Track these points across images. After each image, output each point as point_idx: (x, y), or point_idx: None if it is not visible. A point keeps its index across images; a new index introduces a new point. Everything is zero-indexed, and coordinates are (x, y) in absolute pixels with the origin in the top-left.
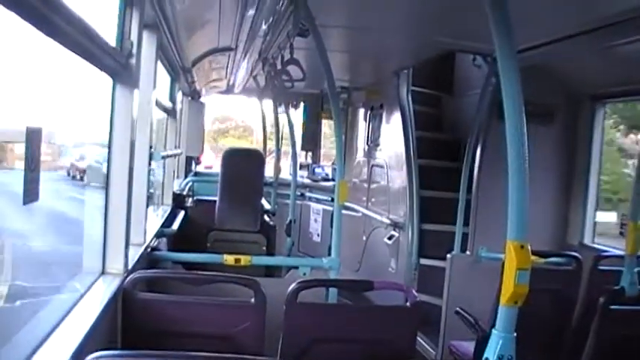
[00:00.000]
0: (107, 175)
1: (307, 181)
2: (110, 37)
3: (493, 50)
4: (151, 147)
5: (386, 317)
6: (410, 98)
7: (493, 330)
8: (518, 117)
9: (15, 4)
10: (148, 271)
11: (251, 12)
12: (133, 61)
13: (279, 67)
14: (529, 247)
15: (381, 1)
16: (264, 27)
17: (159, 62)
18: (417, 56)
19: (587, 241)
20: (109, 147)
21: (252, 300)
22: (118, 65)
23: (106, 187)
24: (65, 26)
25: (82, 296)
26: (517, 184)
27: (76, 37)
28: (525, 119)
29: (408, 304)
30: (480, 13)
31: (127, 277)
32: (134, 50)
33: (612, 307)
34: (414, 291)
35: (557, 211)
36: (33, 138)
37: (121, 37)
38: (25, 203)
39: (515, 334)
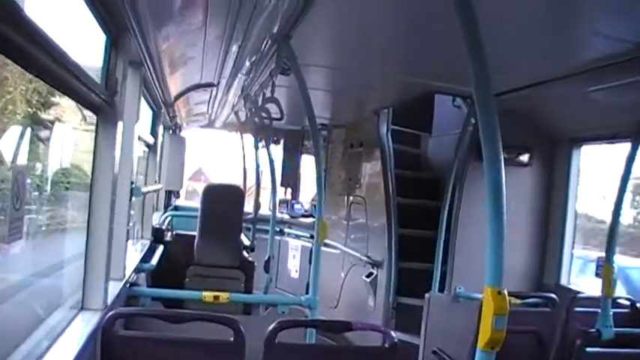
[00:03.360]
0: (89, 210)
1: (286, 217)
2: (94, 74)
3: (472, 92)
4: (132, 182)
5: (364, 358)
6: (390, 137)
7: None
8: (496, 161)
9: (2, 43)
10: (127, 308)
11: (234, 50)
12: (118, 97)
13: (260, 103)
14: (506, 293)
15: (362, 42)
16: (247, 64)
17: (141, 97)
18: (397, 96)
19: (563, 281)
20: (92, 182)
21: (232, 339)
22: (103, 102)
23: (88, 222)
24: (51, 65)
25: (61, 332)
26: (494, 230)
27: (62, 74)
28: (504, 160)
29: (386, 345)
30: (459, 55)
31: (106, 313)
32: (119, 87)
33: (588, 349)
34: (392, 332)
35: (534, 252)
36: (18, 178)
37: (107, 74)
38: (8, 242)
39: None
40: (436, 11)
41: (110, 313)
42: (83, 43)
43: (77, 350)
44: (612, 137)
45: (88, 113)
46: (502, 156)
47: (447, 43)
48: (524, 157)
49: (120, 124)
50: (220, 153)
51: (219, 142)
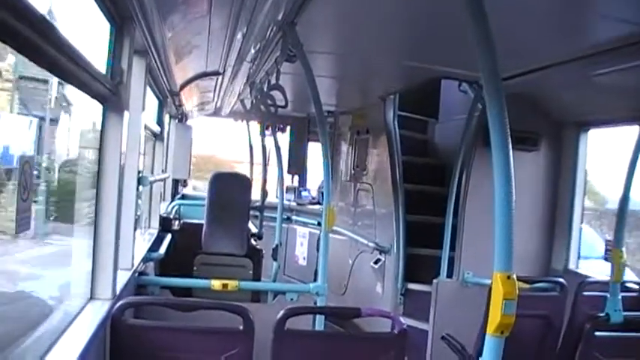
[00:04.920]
0: (96, 200)
1: (293, 204)
2: (100, 64)
3: (479, 77)
4: (139, 172)
5: (373, 345)
6: (396, 123)
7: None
8: (504, 146)
9: (7, 34)
10: (137, 297)
11: (239, 38)
12: (123, 87)
13: (265, 91)
14: (515, 278)
15: (368, 28)
16: (252, 52)
17: (147, 86)
18: (404, 82)
19: (571, 266)
20: (99, 171)
21: (241, 327)
22: (109, 92)
23: (95, 212)
24: (57, 55)
25: (71, 322)
26: (503, 216)
27: (68, 65)
28: (511, 145)
29: (395, 331)
30: (465, 40)
31: (115, 302)
32: (124, 77)
33: (597, 333)
34: (401, 318)
35: (542, 237)
36: (25, 167)
37: (112, 63)
38: (17, 232)
39: None
40: None
41: (119, 303)
42: (88, 32)
43: (87, 339)
44: (619, 121)
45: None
46: (509, 141)
47: (453, 29)
48: (531, 142)
49: (126, 114)
50: (229, 141)
51: (228, 130)
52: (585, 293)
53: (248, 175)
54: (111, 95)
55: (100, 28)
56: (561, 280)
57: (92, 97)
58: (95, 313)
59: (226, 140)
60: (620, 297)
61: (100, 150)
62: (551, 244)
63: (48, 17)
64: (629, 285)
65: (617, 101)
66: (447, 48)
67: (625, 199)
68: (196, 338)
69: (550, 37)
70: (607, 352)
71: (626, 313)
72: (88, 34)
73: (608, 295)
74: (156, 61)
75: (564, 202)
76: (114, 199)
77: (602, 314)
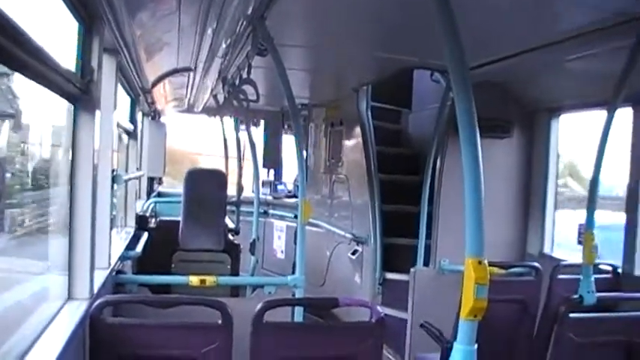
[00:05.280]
0: (70, 200)
1: (270, 198)
2: (69, 63)
3: None
4: (113, 170)
5: (351, 334)
6: (370, 114)
7: (455, 343)
8: (472, 135)
9: None
10: (115, 295)
11: (210, 33)
12: (94, 86)
13: (237, 85)
14: (486, 263)
15: (338, 20)
16: (223, 47)
17: (119, 84)
18: (376, 73)
19: (546, 250)
20: (72, 171)
21: (219, 321)
22: (79, 91)
23: (70, 212)
24: (24, 56)
25: (49, 323)
26: (473, 202)
27: (36, 65)
28: (483, 133)
29: (373, 320)
30: (436, 30)
31: (93, 302)
32: (95, 75)
33: (571, 315)
34: (378, 307)
35: (517, 222)
36: None
37: (82, 62)
38: None
39: (476, 347)
40: None
41: (97, 302)
42: (57, 31)
43: (66, 339)
44: (589, 106)
45: None
46: (477, 129)
47: (423, 18)
48: (503, 129)
49: (98, 113)
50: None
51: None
52: (560, 277)
53: (223, 169)
54: (81, 94)
55: (69, 26)
56: (536, 264)
57: (62, 96)
58: (73, 313)
59: (189, 133)
60: (592, 279)
61: (73, 149)
62: (526, 230)
63: (13, 17)
64: (602, 267)
65: (586, 86)
66: (419, 38)
67: (594, 183)
68: (175, 334)
69: (519, 25)
70: (581, 333)
71: (599, 294)
72: (57, 34)
73: (581, 277)
74: (126, 59)
75: (538, 188)
76: (88, 198)
77: (575, 296)
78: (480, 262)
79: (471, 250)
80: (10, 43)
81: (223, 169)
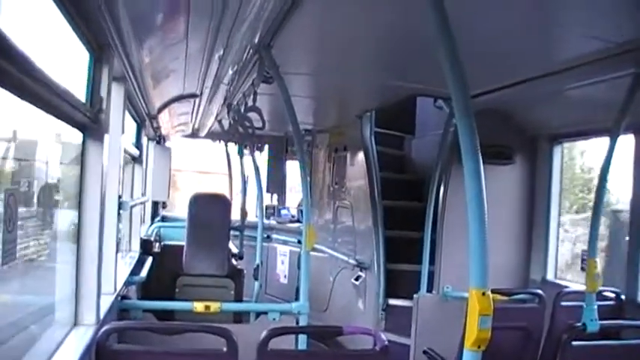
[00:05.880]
0: (78, 226)
1: (273, 222)
2: (79, 92)
3: None
4: (119, 196)
5: None
6: (373, 140)
7: None
8: (475, 163)
9: None
10: (121, 322)
11: (216, 61)
12: (103, 114)
13: (242, 112)
14: (490, 294)
15: (343, 49)
16: (229, 74)
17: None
18: (379, 100)
19: (549, 276)
20: (80, 198)
21: (225, 349)
22: (89, 120)
23: (78, 238)
24: (35, 86)
25: (56, 349)
26: (476, 233)
27: (47, 96)
28: (485, 160)
29: (377, 348)
30: (438, 58)
31: (99, 328)
32: (104, 104)
33: (574, 343)
34: (382, 335)
35: (519, 248)
36: (10, 200)
37: (91, 91)
38: (3, 264)
39: None
40: (416, 15)
41: (104, 328)
42: (67, 60)
43: None
44: (591, 133)
45: None
46: (480, 159)
47: (426, 47)
48: (506, 156)
49: (106, 140)
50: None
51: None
52: (563, 303)
53: (226, 192)
54: (91, 123)
55: (79, 55)
56: (539, 291)
57: (72, 125)
58: (80, 340)
59: (192, 152)
60: (595, 306)
61: (81, 176)
62: (529, 256)
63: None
64: (606, 294)
65: (588, 114)
66: (422, 66)
67: (597, 211)
68: None
69: (522, 55)
70: None
71: (602, 322)
72: (67, 63)
73: (584, 305)
74: (134, 86)
75: (541, 214)
76: (96, 225)
77: (578, 324)
78: (483, 294)
79: (475, 281)
80: (22, 74)
81: (226, 191)
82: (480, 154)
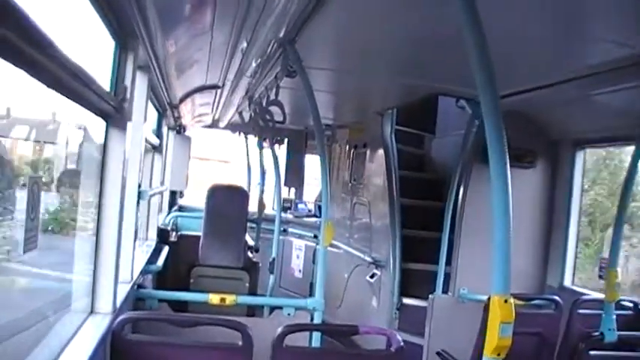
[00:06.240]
0: (98, 214)
1: (290, 216)
2: (103, 80)
3: (476, 94)
4: (139, 185)
5: None
6: (393, 137)
7: None
8: (502, 166)
9: (10, 53)
10: (138, 312)
11: (240, 53)
12: (127, 103)
13: (264, 105)
14: (512, 302)
15: (366, 46)
16: (252, 67)
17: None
18: (401, 98)
19: (567, 283)
20: (101, 186)
21: (240, 342)
22: (112, 109)
23: (97, 226)
24: (61, 74)
25: (72, 337)
26: (501, 238)
27: (72, 84)
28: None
29: (392, 349)
30: (463, 58)
31: (115, 317)
32: (128, 93)
33: (591, 352)
34: (398, 336)
35: (537, 253)
36: (34, 188)
37: (116, 80)
38: (24, 252)
39: None
40: (441, 15)
41: (120, 318)
42: (93, 49)
43: (88, 356)
44: (615, 140)
45: None
46: (507, 161)
47: (450, 46)
48: (528, 160)
49: (128, 130)
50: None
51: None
52: (580, 311)
53: (245, 186)
54: (114, 112)
55: (104, 45)
56: (556, 297)
57: (96, 114)
58: (96, 328)
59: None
60: (614, 316)
61: (103, 164)
62: (547, 261)
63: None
64: (624, 303)
65: (612, 121)
66: (445, 65)
67: (620, 220)
68: (196, 354)
69: (547, 59)
70: None
71: (620, 332)
72: (93, 52)
73: (603, 314)
74: (157, 76)
75: (560, 219)
76: (115, 213)
77: (596, 333)
78: (505, 301)
79: (498, 288)
80: (48, 60)
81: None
82: (507, 157)
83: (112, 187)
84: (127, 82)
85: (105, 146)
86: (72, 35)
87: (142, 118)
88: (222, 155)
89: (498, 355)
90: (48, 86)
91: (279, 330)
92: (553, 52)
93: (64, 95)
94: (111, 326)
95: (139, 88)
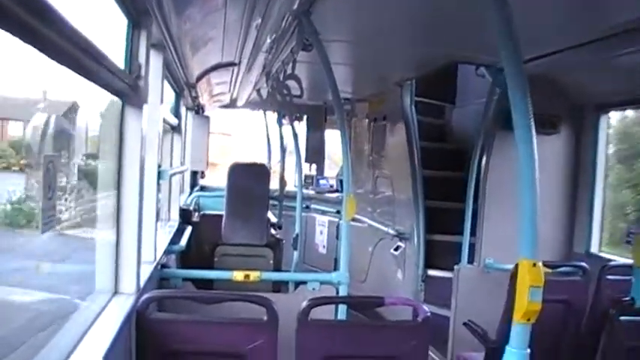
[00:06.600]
0: (118, 195)
1: (312, 192)
2: (117, 59)
3: (496, 61)
4: (158, 165)
5: (397, 333)
6: (413, 109)
7: (507, 347)
8: (527, 131)
9: (24, 31)
10: (161, 291)
11: (255, 29)
12: (142, 81)
13: (281, 80)
14: (541, 265)
15: (383, 15)
16: (268, 42)
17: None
18: (420, 68)
19: (594, 249)
20: (119, 166)
21: (265, 317)
22: (127, 87)
23: (117, 207)
24: (75, 52)
25: (96, 317)
26: (529, 202)
27: (86, 61)
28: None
29: (419, 319)
30: (482, 24)
31: (139, 296)
32: (142, 71)
33: (622, 317)
34: (424, 307)
35: (563, 220)
36: (50, 167)
37: (130, 58)
38: (43, 232)
39: (529, 351)
40: None
41: (144, 297)
42: (106, 27)
43: (113, 335)
44: (639, 102)
45: None
46: (533, 127)
47: (469, 13)
48: (551, 125)
49: (145, 108)
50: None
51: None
52: (608, 277)
53: (266, 163)
54: (129, 90)
55: (117, 22)
56: (584, 264)
57: (111, 92)
58: (120, 308)
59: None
60: None
61: (120, 145)
62: (573, 228)
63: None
64: None
65: (636, 82)
66: (464, 32)
67: None
68: (222, 330)
69: (568, 20)
70: (633, 337)
71: None
72: (106, 29)
73: (633, 279)
74: (172, 54)
75: (585, 185)
76: (135, 193)
77: (627, 298)
78: (534, 264)
79: (525, 252)
80: (62, 39)
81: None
82: (532, 122)
83: (130, 166)
84: (141, 59)
85: (122, 126)
86: (83, 13)
87: (159, 97)
88: (223, 128)
89: (528, 320)
90: (63, 64)
91: (304, 303)
92: (574, 13)
93: (78, 73)
94: (135, 305)
95: (154, 67)
